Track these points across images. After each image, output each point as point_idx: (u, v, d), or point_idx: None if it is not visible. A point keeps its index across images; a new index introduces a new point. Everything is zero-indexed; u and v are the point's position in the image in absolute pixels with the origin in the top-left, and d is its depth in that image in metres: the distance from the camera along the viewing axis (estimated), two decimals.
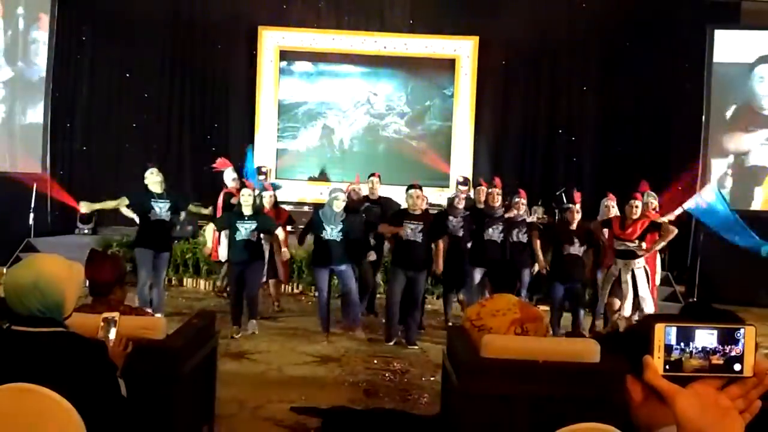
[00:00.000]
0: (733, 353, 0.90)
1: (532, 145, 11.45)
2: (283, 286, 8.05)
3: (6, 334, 2.13)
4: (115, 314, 2.53)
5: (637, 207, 6.26)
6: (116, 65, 11.09)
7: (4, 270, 8.43)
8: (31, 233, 9.44)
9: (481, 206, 7.01)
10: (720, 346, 0.90)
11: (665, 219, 7.04)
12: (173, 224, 6.84)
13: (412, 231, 6.37)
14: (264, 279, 7.12)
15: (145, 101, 11.24)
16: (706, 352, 0.90)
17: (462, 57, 11.32)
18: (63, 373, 2.06)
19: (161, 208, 6.53)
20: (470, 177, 10.86)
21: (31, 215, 9.46)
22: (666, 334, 0.91)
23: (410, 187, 6.62)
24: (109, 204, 6.71)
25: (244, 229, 6.46)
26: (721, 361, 0.90)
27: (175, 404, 3.18)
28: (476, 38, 11.19)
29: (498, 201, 6.62)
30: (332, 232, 6.47)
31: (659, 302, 8.62)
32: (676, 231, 6.49)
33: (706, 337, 0.90)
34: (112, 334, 2.50)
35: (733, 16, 10.44)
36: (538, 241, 6.56)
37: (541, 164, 11.41)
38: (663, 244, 6.60)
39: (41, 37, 10.09)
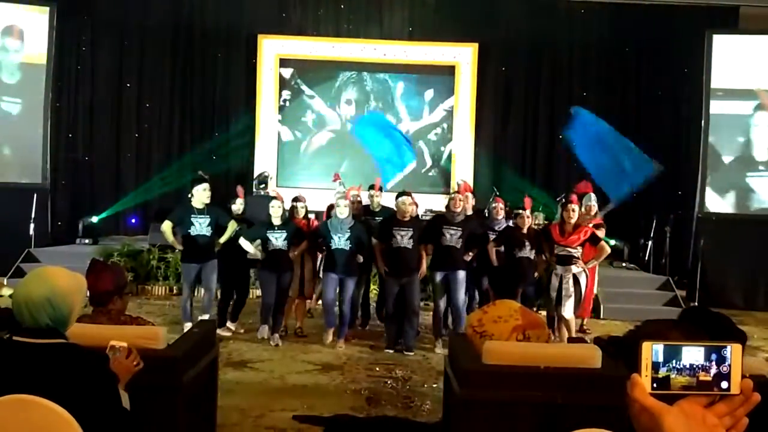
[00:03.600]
0: (720, 370, 0.90)
1: (532, 150, 11.47)
2: (307, 303, 7.54)
3: (7, 345, 2.14)
4: (123, 344, 2.46)
5: (573, 211, 6.29)
6: (116, 75, 11.13)
7: (5, 281, 8.47)
8: (32, 243, 9.44)
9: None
10: (707, 364, 0.90)
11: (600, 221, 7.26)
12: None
13: (401, 237, 6.42)
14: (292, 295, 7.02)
15: (146, 111, 11.28)
16: (693, 370, 0.90)
17: (462, 63, 11.35)
18: (64, 385, 2.06)
19: (201, 224, 6.64)
20: (471, 182, 10.90)
21: (32, 225, 9.46)
22: (653, 352, 0.91)
23: (400, 194, 6.66)
24: (168, 236, 6.78)
25: (275, 239, 6.56)
26: (709, 379, 0.90)
27: (177, 414, 3.18)
28: (476, 45, 11.22)
29: (459, 207, 6.54)
30: (340, 240, 6.47)
31: (660, 307, 8.66)
32: (609, 251, 6.58)
33: (693, 355, 0.91)
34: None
35: (731, 21, 10.47)
36: (494, 250, 6.58)
37: (542, 169, 11.42)
38: (596, 263, 6.72)
39: (41, 48, 10.11)
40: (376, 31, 11.36)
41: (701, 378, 0.90)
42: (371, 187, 7.48)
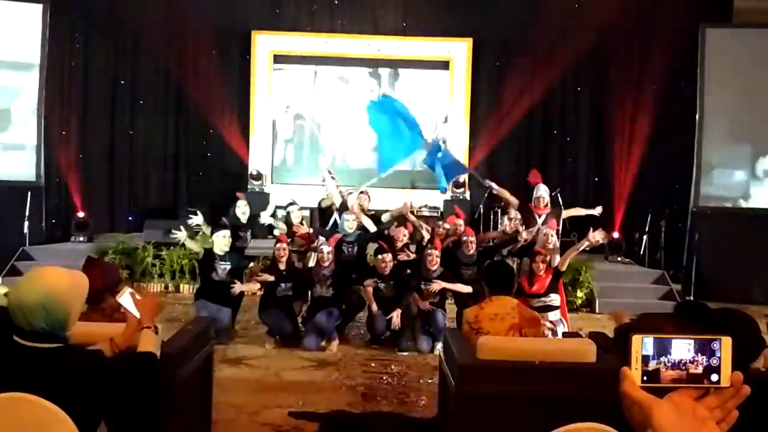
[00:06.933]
0: (710, 363, 0.91)
1: (527, 145, 11.46)
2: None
3: (7, 346, 2.12)
4: (126, 291, 2.57)
5: (543, 262, 5.95)
6: (110, 73, 11.08)
7: (0, 279, 8.39)
8: (26, 242, 9.40)
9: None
10: (697, 357, 0.91)
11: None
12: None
13: (384, 290, 6.59)
14: None
15: (140, 109, 11.24)
16: (683, 363, 0.91)
17: (456, 59, 11.34)
18: (61, 389, 2.05)
19: (248, 239, 7.30)
20: (466, 180, 10.90)
21: (26, 224, 9.41)
22: (643, 345, 0.91)
23: (378, 251, 6.73)
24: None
25: (283, 285, 6.65)
26: (699, 372, 0.91)
27: (171, 411, 3.17)
28: (470, 39, 11.21)
29: (435, 265, 6.49)
30: (321, 288, 6.54)
31: (656, 301, 8.69)
32: (578, 248, 6.32)
33: (683, 348, 0.91)
34: (127, 301, 2.54)
35: (725, 15, 10.47)
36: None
37: (537, 165, 11.38)
38: (572, 254, 6.40)
39: (34, 45, 10.05)
40: (369, 26, 11.33)
41: (691, 371, 0.91)
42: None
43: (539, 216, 7.10)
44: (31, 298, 2.09)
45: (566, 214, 7.68)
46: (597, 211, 7.44)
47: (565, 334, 5.67)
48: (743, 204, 9.91)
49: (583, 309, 8.66)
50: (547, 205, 7.21)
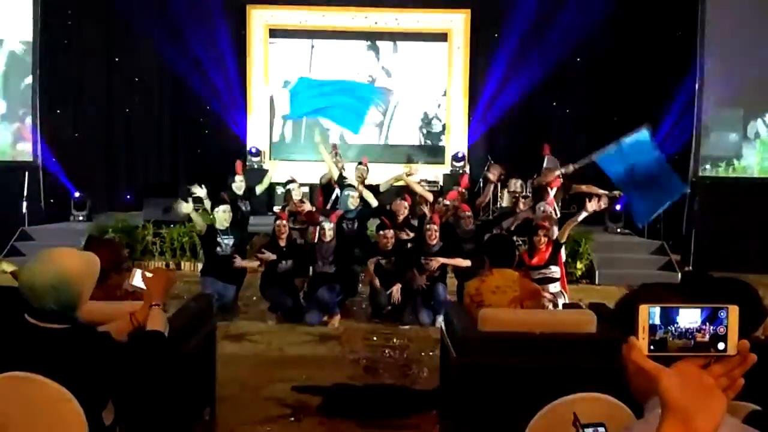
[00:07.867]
0: (717, 332, 0.91)
1: (527, 118, 11.39)
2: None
3: (19, 324, 2.14)
4: (137, 271, 2.64)
5: (545, 236, 5.99)
6: (105, 50, 10.96)
7: (0, 256, 8.40)
8: (25, 222, 9.39)
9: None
10: (704, 326, 0.91)
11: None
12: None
13: (385, 263, 6.62)
14: None
15: (136, 85, 11.14)
16: (690, 332, 0.91)
17: (454, 31, 11.23)
18: (69, 370, 2.07)
19: (247, 207, 7.35)
20: (465, 153, 10.88)
21: (24, 204, 9.39)
22: (650, 314, 0.92)
23: (380, 227, 6.76)
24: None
25: (284, 264, 6.68)
26: (706, 340, 0.91)
27: (175, 387, 3.19)
28: (468, 11, 11.10)
29: (435, 239, 6.52)
30: (324, 265, 6.55)
31: (655, 271, 8.72)
32: (578, 219, 6.30)
33: (690, 317, 0.92)
34: (139, 281, 2.59)
35: None
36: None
37: (537, 137, 11.34)
38: (573, 225, 6.40)
39: (27, 23, 9.93)
40: None
41: (698, 339, 0.91)
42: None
43: (551, 189, 7.13)
44: (42, 278, 2.10)
45: (577, 188, 7.63)
46: (615, 194, 7.44)
47: (565, 306, 5.70)
48: (736, 163, 9.98)
49: (583, 280, 8.70)
50: (559, 175, 7.27)
